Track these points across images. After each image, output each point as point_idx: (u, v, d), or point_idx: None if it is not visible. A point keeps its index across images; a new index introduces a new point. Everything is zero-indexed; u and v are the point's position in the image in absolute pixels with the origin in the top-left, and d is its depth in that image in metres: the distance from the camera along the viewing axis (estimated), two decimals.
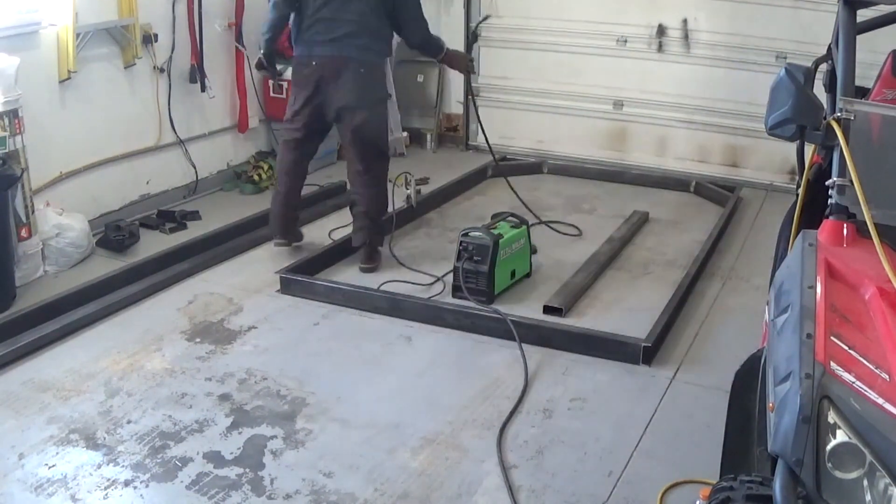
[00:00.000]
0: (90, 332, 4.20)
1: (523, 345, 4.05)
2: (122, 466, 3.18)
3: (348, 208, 5.22)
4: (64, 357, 3.96)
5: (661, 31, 6.73)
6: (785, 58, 6.13)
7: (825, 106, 2.70)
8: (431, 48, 5.06)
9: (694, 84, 6.73)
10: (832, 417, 1.81)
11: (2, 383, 3.72)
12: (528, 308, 4.49)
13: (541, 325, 4.22)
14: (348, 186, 5.36)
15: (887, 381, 1.87)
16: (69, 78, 5.09)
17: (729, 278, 5.00)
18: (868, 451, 1.77)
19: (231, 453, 3.27)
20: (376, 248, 5.04)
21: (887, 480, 1.74)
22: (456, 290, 4.59)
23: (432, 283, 4.81)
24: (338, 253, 5.16)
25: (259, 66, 5.24)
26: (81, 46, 5.13)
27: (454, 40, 7.45)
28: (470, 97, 5.44)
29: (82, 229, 4.98)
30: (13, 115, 4.42)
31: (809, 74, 2.56)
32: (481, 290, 4.51)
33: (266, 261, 5.04)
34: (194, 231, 5.49)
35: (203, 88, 6.09)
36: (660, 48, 6.79)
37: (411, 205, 5.79)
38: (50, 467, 3.16)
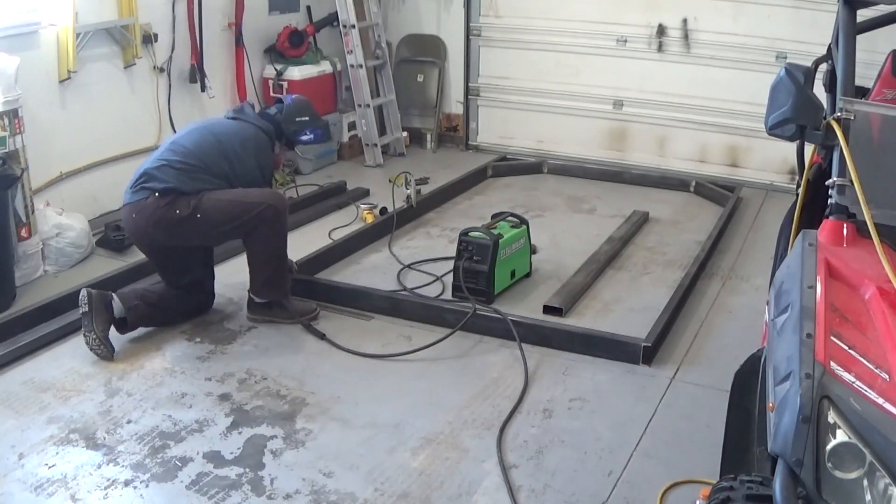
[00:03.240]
0: None
1: (523, 345, 4.05)
2: (122, 466, 3.17)
3: None
4: (64, 357, 3.96)
5: (661, 31, 6.74)
6: (785, 58, 6.13)
7: (825, 106, 2.70)
8: None
9: (694, 84, 6.74)
10: (832, 417, 1.81)
11: (2, 383, 3.72)
12: (528, 308, 4.49)
13: (541, 325, 4.22)
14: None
15: (887, 381, 1.86)
16: (69, 78, 5.10)
17: (729, 278, 5.00)
18: (868, 451, 1.77)
19: (231, 453, 3.27)
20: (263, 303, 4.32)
21: (887, 480, 1.74)
22: (456, 290, 4.59)
23: (432, 283, 4.81)
24: (338, 253, 5.17)
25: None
26: (81, 46, 5.14)
27: (454, 39, 7.50)
28: None
29: (82, 229, 4.98)
30: (13, 114, 4.42)
31: (809, 74, 2.57)
32: (481, 290, 4.51)
33: None
34: None
35: (203, 88, 6.09)
36: (660, 48, 6.79)
37: (411, 205, 5.79)
38: (50, 467, 3.16)
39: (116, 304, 4.01)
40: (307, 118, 4.47)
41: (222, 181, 4.11)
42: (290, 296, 4.39)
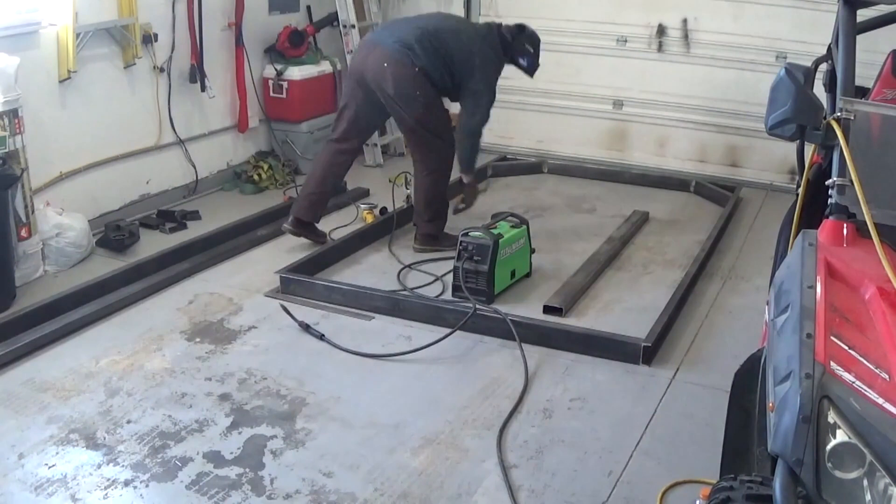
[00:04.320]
0: (90, 332, 4.20)
1: (523, 345, 4.05)
2: (122, 466, 3.18)
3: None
4: (64, 357, 3.96)
5: (661, 30, 6.74)
6: (785, 58, 6.14)
7: (825, 106, 2.70)
8: (463, 152, 5.18)
9: (694, 84, 6.74)
10: (832, 417, 1.81)
11: (2, 383, 3.72)
12: (528, 308, 4.49)
13: (541, 325, 4.22)
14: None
15: (887, 381, 1.86)
16: (69, 78, 5.09)
17: (729, 278, 5.00)
18: (868, 451, 1.77)
19: (231, 453, 3.27)
20: (427, 234, 5.24)
21: (887, 480, 1.74)
22: (456, 290, 4.59)
23: (432, 283, 4.82)
24: (338, 253, 5.17)
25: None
26: (81, 46, 5.14)
27: None
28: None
29: (82, 229, 4.98)
30: (13, 114, 4.42)
31: (809, 74, 2.57)
32: (481, 290, 4.51)
33: (266, 261, 5.05)
34: (194, 231, 5.49)
35: (203, 88, 6.09)
36: (660, 48, 6.79)
37: (411, 205, 5.78)
38: (50, 467, 3.16)
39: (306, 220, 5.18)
40: (533, 51, 5.22)
41: (452, 84, 4.99)
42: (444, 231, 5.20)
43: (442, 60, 4.88)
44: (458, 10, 7.34)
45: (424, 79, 4.85)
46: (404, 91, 4.85)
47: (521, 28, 5.23)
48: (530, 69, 5.31)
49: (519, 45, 5.18)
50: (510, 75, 7.35)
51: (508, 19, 7.14)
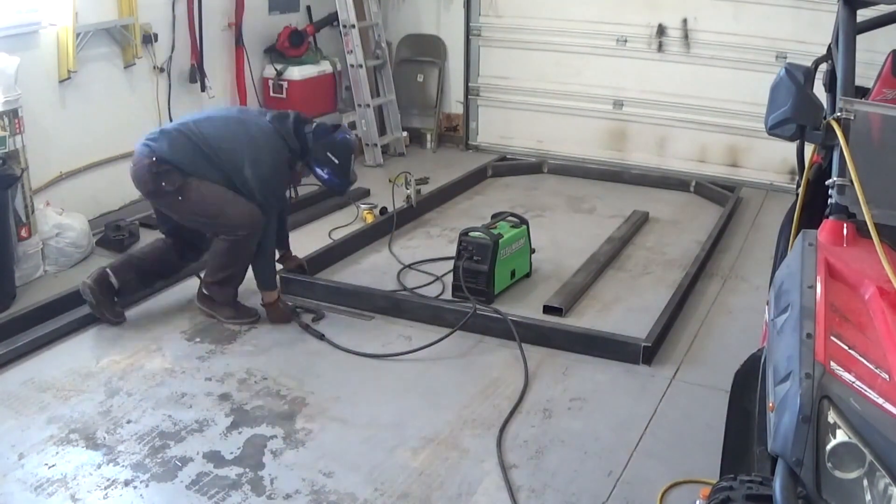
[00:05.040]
0: (90, 332, 4.20)
1: (523, 345, 4.05)
2: (122, 466, 3.18)
3: None
4: (64, 357, 3.96)
5: (661, 30, 6.74)
6: (785, 58, 6.14)
7: (825, 106, 2.70)
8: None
9: (694, 84, 6.74)
10: (832, 417, 1.82)
11: (2, 383, 3.72)
12: (528, 308, 4.49)
13: (541, 324, 4.22)
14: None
15: (887, 381, 1.87)
16: (69, 78, 5.10)
17: (729, 278, 5.00)
18: (868, 451, 1.77)
19: (231, 453, 3.27)
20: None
21: (887, 480, 1.74)
22: (456, 290, 4.59)
23: (432, 283, 4.81)
24: (338, 253, 5.17)
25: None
26: (81, 46, 5.14)
27: (454, 39, 7.49)
28: None
29: (82, 229, 4.98)
30: (13, 115, 4.42)
31: (809, 74, 2.57)
32: (481, 290, 4.51)
33: None
34: None
35: (203, 88, 6.09)
36: (660, 48, 6.80)
37: (411, 205, 5.79)
38: (50, 467, 3.16)
39: (113, 280, 4.21)
40: (337, 162, 4.29)
41: (221, 175, 4.12)
42: (236, 301, 4.39)
43: (203, 154, 4.09)
44: (458, 10, 7.37)
45: (172, 175, 4.05)
46: (159, 200, 4.22)
47: (327, 130, 4.34)
48: (333, 185, 4.39)
49: (319, 152, 4.26)
50: (510, 75, 7.42)
51: (508, 19, 7.25)
